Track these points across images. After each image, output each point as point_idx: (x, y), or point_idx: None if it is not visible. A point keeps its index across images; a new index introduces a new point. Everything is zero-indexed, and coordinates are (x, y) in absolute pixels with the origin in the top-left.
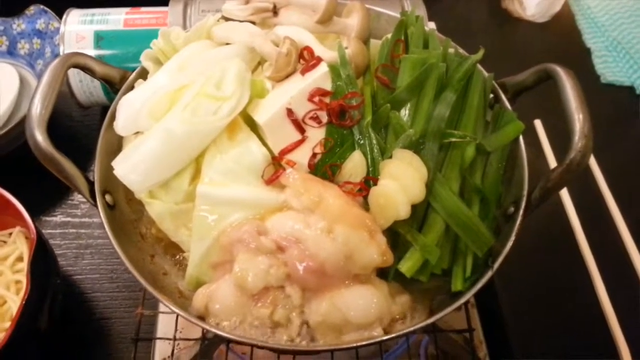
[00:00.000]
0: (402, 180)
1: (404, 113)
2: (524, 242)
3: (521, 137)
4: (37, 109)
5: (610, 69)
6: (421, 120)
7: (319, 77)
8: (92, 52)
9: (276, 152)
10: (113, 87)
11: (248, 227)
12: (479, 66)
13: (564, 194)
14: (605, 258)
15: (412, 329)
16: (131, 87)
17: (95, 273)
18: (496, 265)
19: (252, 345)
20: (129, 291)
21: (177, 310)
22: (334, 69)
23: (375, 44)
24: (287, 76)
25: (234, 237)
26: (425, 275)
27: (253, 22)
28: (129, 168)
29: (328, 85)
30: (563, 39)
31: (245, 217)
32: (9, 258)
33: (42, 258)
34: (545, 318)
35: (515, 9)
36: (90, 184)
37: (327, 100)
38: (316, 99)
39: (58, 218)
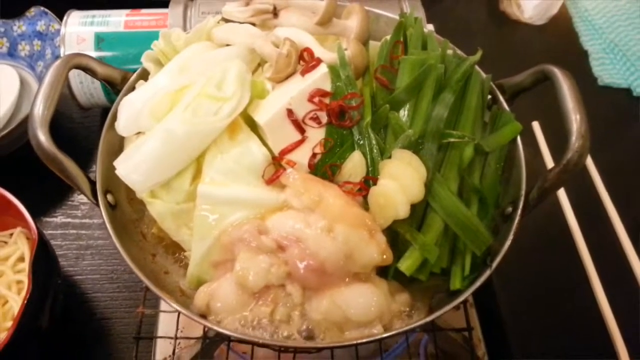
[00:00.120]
0: (402, 180)
1: (403, 113)
2: (522, 243)
3: (519, 138)
4: (40, 109)
5: (608, 71)
6: (420, 121)
7: (319, 78)
8: (93, 54)
9: (276, 152)
10: (114, 88)
11: (249, 227)
12: (477, 67)
13: (562, 195)
14: (603, 258)
15: (411, 326)
16: (132, 88)
17: (95, 273)
18: (494, 264)
19: (253, 343)
20: (129, 291)
21: (179, 308)
22: (333, 70)
23: (374, 45)
24: (287, 77)
25: (235, 236)
26: (425, 274)
27: (253, 24)
28: (131, 168)
29: (328, 86)
30: (560, 41)
31: (246, 217)
32: (10, 258)
33: (44, 258)
34: (544, 318)
35: (513, 11)
36: (92, 183)
37: (326, 100)
38: (316, 99)
39: (59, 219)
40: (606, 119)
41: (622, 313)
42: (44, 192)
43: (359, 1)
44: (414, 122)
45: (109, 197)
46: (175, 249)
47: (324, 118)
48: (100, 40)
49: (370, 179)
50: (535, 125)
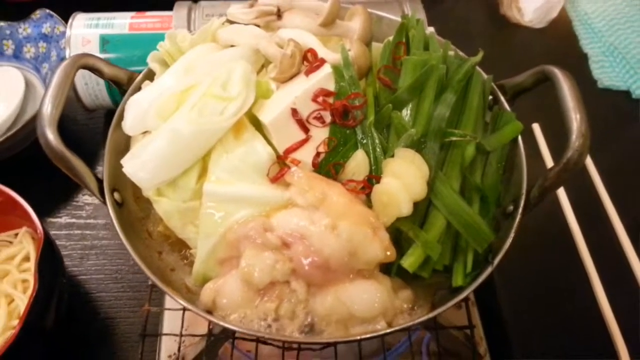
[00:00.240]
0: (405, 178)
1: (406, 113)
2: (522, 243)
3: (520, 138)
4: (48, 109)
5: (607, 73)
6: (422, 120)
7: (323, 78)
8: (98, 56)
9: (281, 151)
10: (120, 88)
11: (254, 224)
12: (478, 68)
13: (562, 195)
14: (603, 258)
15: (414, 322)
16: (138, 88)
17: (100, 273)
18: (496, 260)
19: (258, 338)
20: (134, 291)
21: (185, 304)
22: (337, 70)
23: (376, 47)
24: (292, 77)
25: (240, 233)
26: (427, 271)
27: (257, 26)
28: (138, 166)
29: (331, 86)
30: (560, 44)
31: (252, 214)
32: (16, 258)
33: (50, 256)
34: (544, 317)
35: (513, 14)
36: (99, 182)
37: (330, 100)
38: (320, 99)
39: (63, 219)
40: (606, 120)
41: (622, 313)
42: (49, 192)
43: (361, 3)
44: (417, 121)
45: (116, 195)
46: (181, 247)
47: (328, 117)
48: (105, 42)
49: (373, 177)
50: (536, 128)
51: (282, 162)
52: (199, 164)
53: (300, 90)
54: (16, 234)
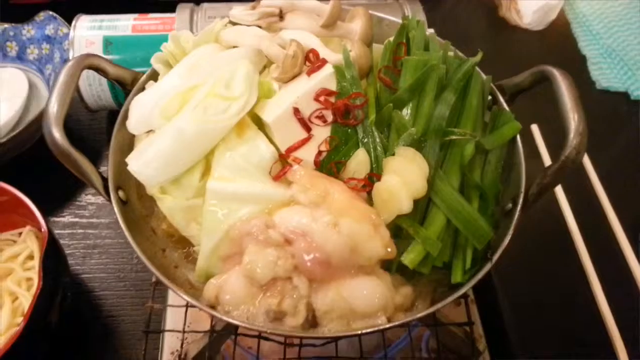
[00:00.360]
0: (405, 176)
1: (406, 112)
2: (521, 242)
3: (518, 137)
4: (55, 108)
5: (605, 75)
6: (422, 120)
7: (325, 77)
8: None
9: (283, 149)
10: (124, 89)
11: (257, 221)
12: (477, 69)
13: (561, 196)
14: (602, 258)
15: (414, 317)
16: (142, 89)
17: (103, 272)
18: (495, 257)
19: (260, 334)
20: (136, 290)
21: (189, 299)
22: (339, 70)
23: (377, 48)
24: (294, 77)
25: (243, 230)
26: (427, 268)
27: (260, 27)
28: (143, 164)
29: (333, 86)
30: (559, 46)
31: (254, 212)
32: (20, 256)
33: (53, 255)
34: (542, 315)
35: (512, 17)
36: (104, 180)
37: (332, 100)
38: (322, 98)
39: (66, 219)
40: (604, 121)
41: (620, 312)
42: (52, 192)
43: (362, 5)
44: (417, 120)
45: (121, 193)
46: (184, 244)
47: (330, 117)
48: (109, 44)
49: (374, 175)
50: (535, 128)
51: (284, 161)
52: (202, 162)
53: (303, 90)
54: (20, 233)
